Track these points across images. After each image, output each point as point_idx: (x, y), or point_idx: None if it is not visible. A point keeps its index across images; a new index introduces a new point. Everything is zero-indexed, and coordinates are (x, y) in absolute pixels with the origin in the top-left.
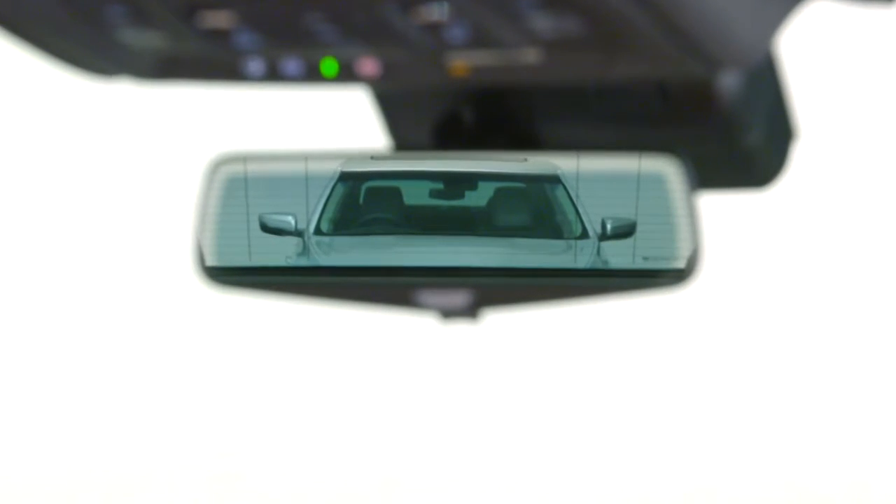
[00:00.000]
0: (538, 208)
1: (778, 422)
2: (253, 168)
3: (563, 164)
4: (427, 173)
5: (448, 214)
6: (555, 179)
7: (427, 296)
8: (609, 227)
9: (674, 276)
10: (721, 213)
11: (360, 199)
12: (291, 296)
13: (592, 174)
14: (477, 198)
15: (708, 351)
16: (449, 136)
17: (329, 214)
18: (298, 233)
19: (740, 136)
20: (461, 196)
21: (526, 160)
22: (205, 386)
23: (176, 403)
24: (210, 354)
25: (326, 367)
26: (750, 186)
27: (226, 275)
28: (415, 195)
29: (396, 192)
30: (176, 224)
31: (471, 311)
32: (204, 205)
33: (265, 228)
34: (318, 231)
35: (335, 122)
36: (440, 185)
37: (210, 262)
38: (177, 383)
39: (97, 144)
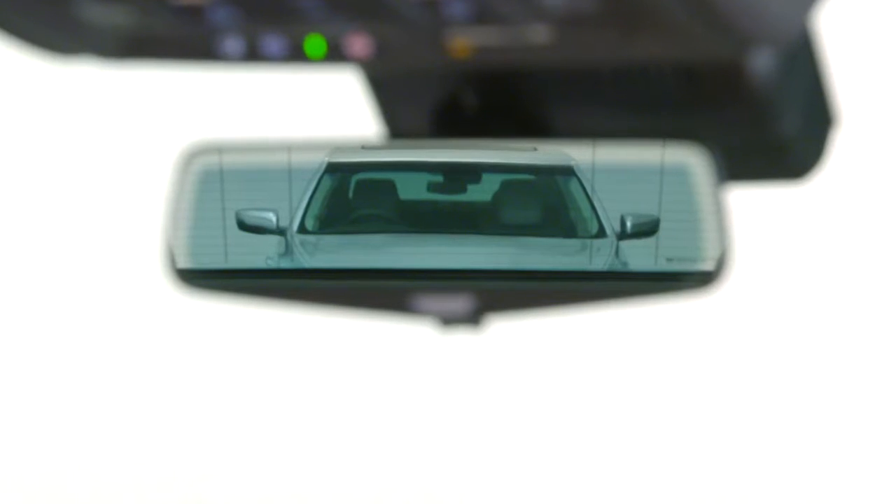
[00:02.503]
0: (549, 203)
1: (816, 437)
2: (229, 159)
3: (577, 153)
4: (425, 164)
5: (448, 210)
6: (568, 171)
7: (425, 301)
8: (629, 224)
9: (700, 280)
10: (753, 208)
11: (349, 194)
12: (273, 301)
13: (610, 165)
14: (481, 192)
15: (736, 363)
16: (449, 123)
17: (315, 211)
18: (280, 231)
19: (774, 123)
20: (463, 190)
21: (536, 149)
22: (179, 401)
23: (148, 421)
24: (185, 365)
25: (312, 379)
26: (784, 178)
27: (200, 278)
28: (411, 189)
29: (390, 186)
30: (144, 222)
31: (473, 318)
32: (175, 200)
33: (243, 226)
34: (302, 229)
35: (322, 107)
36: (439, 178)
37: (182, 264)
38: (149, 398)
39: (55, 132)
